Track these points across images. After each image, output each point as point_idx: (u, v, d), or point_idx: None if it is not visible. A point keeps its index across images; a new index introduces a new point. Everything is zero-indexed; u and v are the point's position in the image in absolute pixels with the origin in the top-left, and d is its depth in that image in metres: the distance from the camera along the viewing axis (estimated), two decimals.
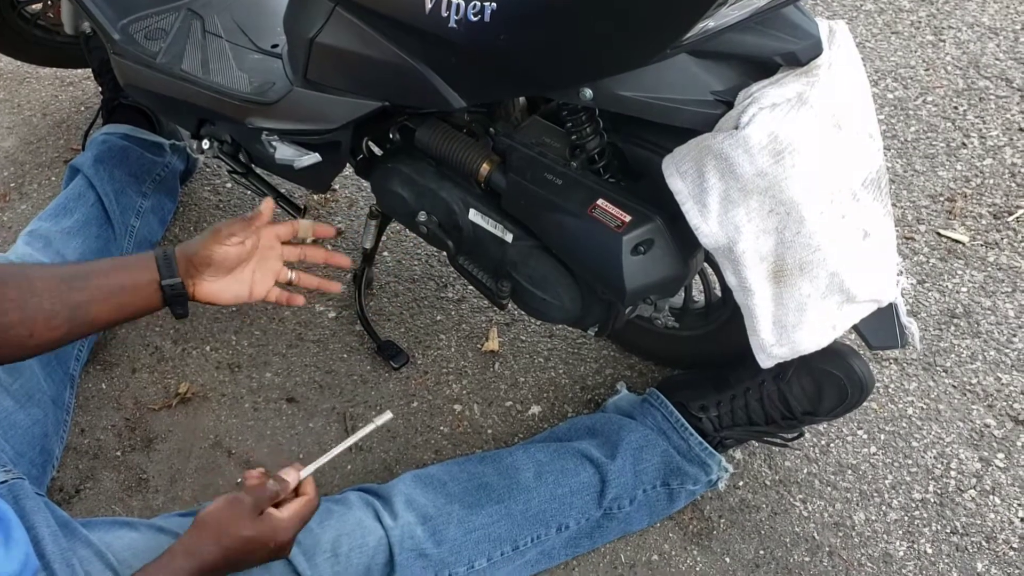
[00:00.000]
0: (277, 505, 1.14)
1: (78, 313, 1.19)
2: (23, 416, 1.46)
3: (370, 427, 1.20)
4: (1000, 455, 1.56)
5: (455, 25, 1.07)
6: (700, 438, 1.46)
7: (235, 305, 1.37)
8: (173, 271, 1.25)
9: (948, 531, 1.47)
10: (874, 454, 1.57)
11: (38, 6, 2.08)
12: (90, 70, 2.21)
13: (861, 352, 1.66)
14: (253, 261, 1.33)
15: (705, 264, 1.48)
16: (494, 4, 1.03)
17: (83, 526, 1.25)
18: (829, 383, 1.39)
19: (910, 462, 1.56)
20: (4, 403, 1.44)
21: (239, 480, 1.19)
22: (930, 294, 1.81)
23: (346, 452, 1.60)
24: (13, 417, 1.44)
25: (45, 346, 1.19)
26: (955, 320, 1.76)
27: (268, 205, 1.34)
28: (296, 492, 1.18)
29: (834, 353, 1.38)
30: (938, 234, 1.92)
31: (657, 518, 1.48)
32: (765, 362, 1.26)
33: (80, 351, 1.69)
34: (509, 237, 1.36)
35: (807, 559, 1.45)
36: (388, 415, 1.22)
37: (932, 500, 1.51)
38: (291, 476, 1.18)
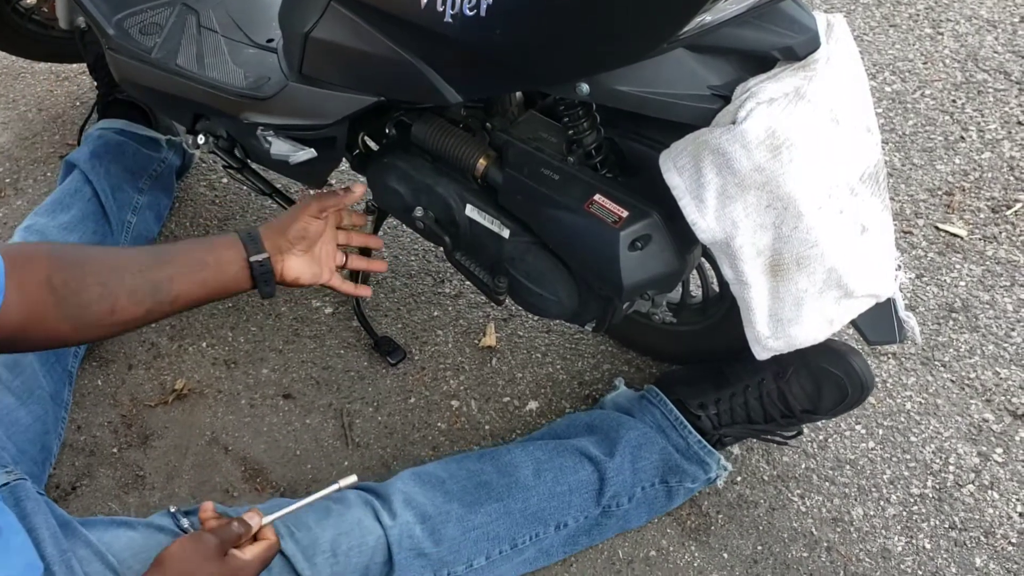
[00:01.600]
0: (237, 548, 1.12)
1: (161, 289, 1.19)
2: (24, 413, 1.45)
3: (334, 487, 1.21)
4: (999, 450, 1.56)
5: (450, 20, 1.06)
6: (699, 436, 1.46)
7: (311, 286, 1.40)
8: (259, 247, 1.28)
9: (946, 526, 1.47)
10: (872, 449, 1.57)
11: (33, 1, 2.07)
12: (85, 65, 2.20)
13: (860, 348, 1.66)
14: (321, 242, 1.37)
15: (703, 259, 1.47)
16: None
17: (82, 525, 1.24)
18: (829, 382, 1.38)
19: (908, 457, 1.56)
20: (5, 400, 1.43)
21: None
22: (928, 288, 1.80)
23: (343, 449, 1.60)
24: (14, 415, 1.43)
25: (127, 324, 1.19)
26: (953, 314, 1.76)
27: (360, 189, 1.39)
28: (255, 537, 1.15)
29: (834, 352, 1.38)
30: (936, 228, 1.92)
31: (655, 515, 1.48)
32: (760, 354, 1.26)
33: (78, 348, 1.68)
34: (506, 233, 1.35)
35: (805, 554, 1.45)
36: (353, 478, 1.22)
37: (930, 495, 1.51)
38: (253, 520, 1.15)
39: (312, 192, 1.33)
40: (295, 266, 1.34)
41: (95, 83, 2.12)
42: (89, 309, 1.14)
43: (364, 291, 1.51)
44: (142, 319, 1.20)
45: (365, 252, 1.56)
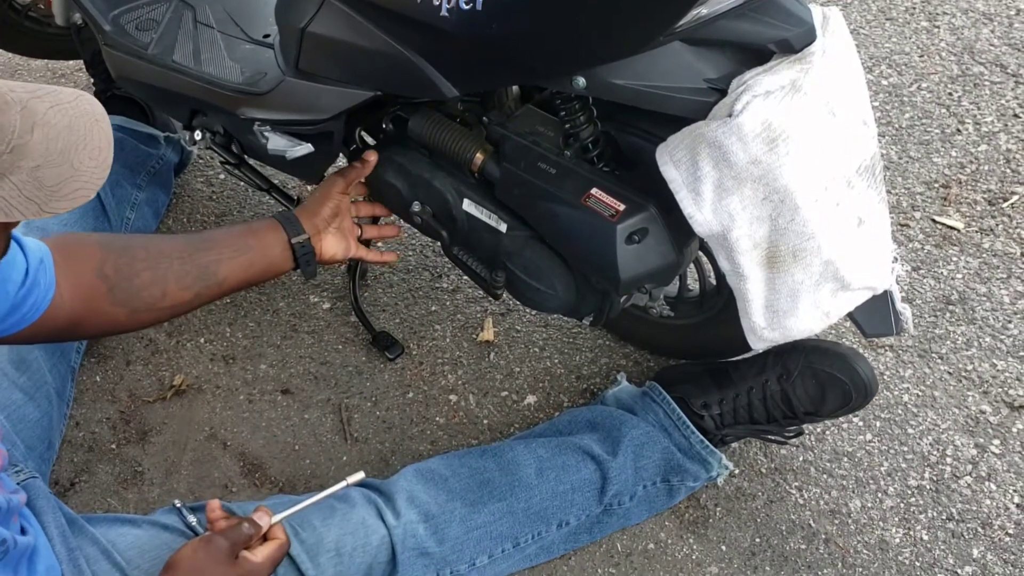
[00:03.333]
0: (248, 549, 1.12)
1: (207, 273, 1.24)
2: (32, 409, 1.45)
3: (342, 484, 1.22)
4: (996, 441, 1.56)
5: (447, 14, 1.07)
6: (701, 436, 1.46)
7: (344, 262, 1.48)
8: (299, 229, 1.33)
9: (944, 518, 1.48)
10: (870, 441, 1.57)
11: None
12: (82, 62, 2.20)
13: (858, 342, 1.66)
14: (339, 216, 1.42)
15: (700, 252, 1.47)
16: None
17: (87, 523, 1.24)
18: (833, 386, 1.39)
19: (906, 449, 1.56)
20: (13, 397, 1.42)
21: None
22: (925, 281, 1.81)
23: (341, 444, 1.61)
24: (22, 411, 1.43)
25: (178, 308, 1.24)
26: (950, 307, 1.76)
27: (374, 156, 1.41)
28: (265, 536, 1.15)
29: (840, 357, 1.38)
30: (933, 221, 1.92)
31: (656, 512, 1.48)
32: (756, 344, 1.26)
33: (80, 343, 1.68)
34: (503, 227, 1.35)
35: (803, 547, 1.46)
36: (360, 475, 1.23)
37: (928, 487, 1.51)
38: (263, 520, 1.15)
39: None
40: (331, 244, 1.40)
41: (92, 80, 2.11)
42: (141, 295, 1.19)
43: (390, 257, 1.54)
44: (191, 303, 1.26)
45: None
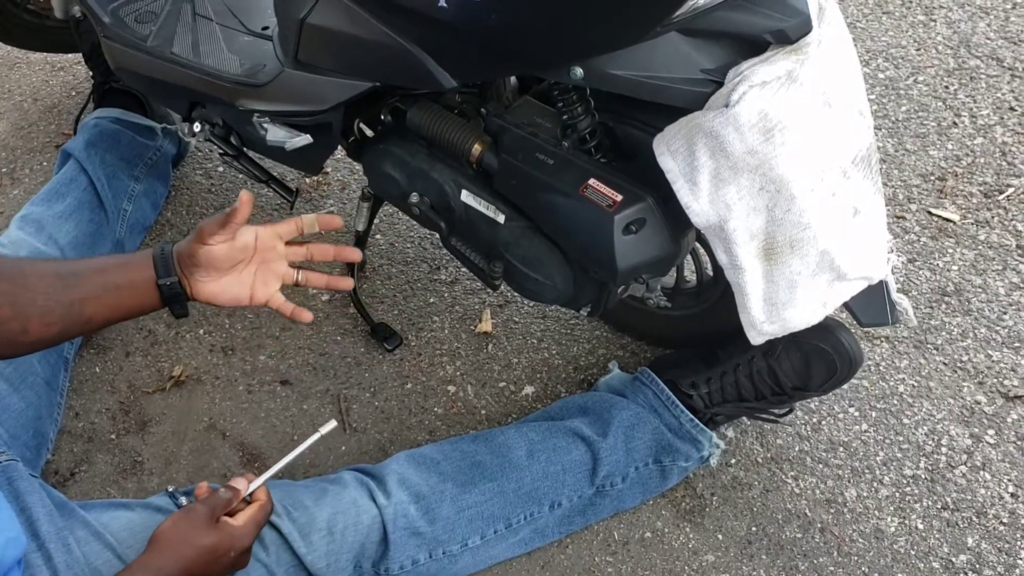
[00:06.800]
0: (231, 515, 1.11)
1: (73, 311, 1.15)
2: (16, 399, 1.46)
3: (315, 436, 1.19)
4: (990, 431, 1.57)
5: (445, 4, 1.07)
6: (691, 415, 1.47)
7: (234, 307, 1.33)
8: (170, 270, 1.18)
9: (939, 507, 1.49)
10: (865, 431, 1.58)
11: None
12: (81, 54, 2.20)
13: (853, 330, 1.67)
14: (254, 262, 1.22)
15: (697, 244, 1.48)
16: None
17: (80, 508, 1.25)
18: (818, 358, 1.40)
19: (901, 439, 1.57)
20: None
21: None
22: (921, 272, 1.81)
23: (340, 435, 1.61)
24: (6, 400, 1.44)
25: (41, 343, 1.15)
26: (946, 298, 1.77)
27: (246, 198, 1.18)
28: (248, 501, 1.15)
29: (823, 328, 1.39)
30: (929, 213, 1.93)
31: (650, 495, 1.49)
32: (756, 339, 1.27)
33: None
34: (501, 218, 1.36)
35: (799, 535, 1.47)
36: (332, 424, 1.19)
37: (923, 476, 1.52)
38: (241, 484, 1.14)
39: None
40: (208, 289, 1.21)
41: (90, 72, 2.12)
42: (1, 328, 1.10)
43: (306, 317, 1.27)
44: (55, 338, 1.16)
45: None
